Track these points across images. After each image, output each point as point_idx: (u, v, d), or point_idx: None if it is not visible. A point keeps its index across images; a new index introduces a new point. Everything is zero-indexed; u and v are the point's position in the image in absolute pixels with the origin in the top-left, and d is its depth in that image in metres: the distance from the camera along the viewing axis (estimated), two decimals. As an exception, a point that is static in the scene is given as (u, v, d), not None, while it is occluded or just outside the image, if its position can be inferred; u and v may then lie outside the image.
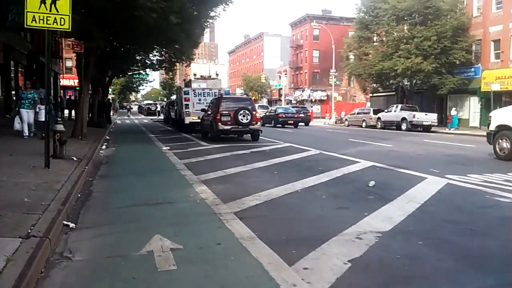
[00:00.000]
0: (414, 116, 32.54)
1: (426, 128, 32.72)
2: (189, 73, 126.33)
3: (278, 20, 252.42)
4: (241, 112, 17.62)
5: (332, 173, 9.68)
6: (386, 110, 36.13)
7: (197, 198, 7.11)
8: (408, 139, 21.96)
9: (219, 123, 17.66)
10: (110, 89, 57.57)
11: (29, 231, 4.59)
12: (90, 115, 28.96)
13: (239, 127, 17.75)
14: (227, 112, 17.78)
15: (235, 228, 5.30)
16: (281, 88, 73.54)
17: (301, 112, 39.13)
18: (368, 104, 55.15)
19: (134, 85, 78.43)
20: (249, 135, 18.55)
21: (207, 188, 7.84)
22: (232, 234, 5.06)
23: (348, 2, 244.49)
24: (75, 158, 10.97)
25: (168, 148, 15.31)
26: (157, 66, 38.66)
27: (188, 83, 24.40)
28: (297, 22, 72.82)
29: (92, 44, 15.33)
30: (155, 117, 52.67)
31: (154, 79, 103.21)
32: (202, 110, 20.73)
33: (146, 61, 37.80)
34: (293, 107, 44.02)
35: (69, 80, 54.12)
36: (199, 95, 23.84)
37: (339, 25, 66.81)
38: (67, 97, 40.13)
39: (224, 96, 18.68)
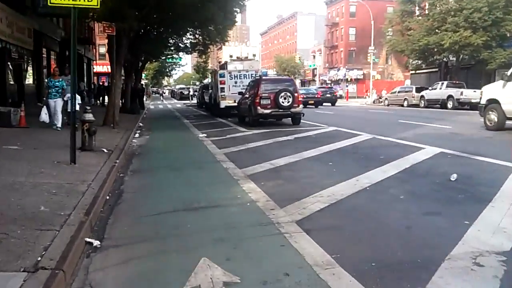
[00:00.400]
0: (461, 94, 30.25)
1: (475, 106, 30.49)
2: (221, 56, 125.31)
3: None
4: (282, 94, 16.28)
5: (398, 163, 8.27)
6: (430, 88, 33.87)
7: (247, 199, 5.91)
8: (463, 119, 20.12)
9: (258, 107, 16.40)
10: (143, 74, 57.32)
11: (39, 258, 3.49)
12: (123, 101, 28.36)
13: (280, 110, 16.44)
14: (266, 94, 16.49)
15: (304, 247, 4.06)
16: (315, 68, 71.42)
17: (328, 92, 39.42)
18: (408, 82, 52.59)
19: (167, 70, 78.25)
20: (289, 118, 17.25)
21: (256, 186, 6.62)
22: (303, 258, 3.81)
23: None
24: (105, 150, 9.99)
25: (205, 135, 14.19)
26: (190, 50, 37.71)
27: (223, 65, 23.19)
28: (332, -1, 70.14)
29: (124, 26, 14.27)
30: (188, 102, 51.87)
31: (186, 63, 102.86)
32: (239, 93, 19.50)
33: (180, 44, 36.90)
34: (319, 87, 43.32)
35: (102, 67, 53.94)
36: (235, 78, 22.59)
37: (376, 1, 63.82)
38: (101, 83, 39.43)
39: (263, 77, 17.35)
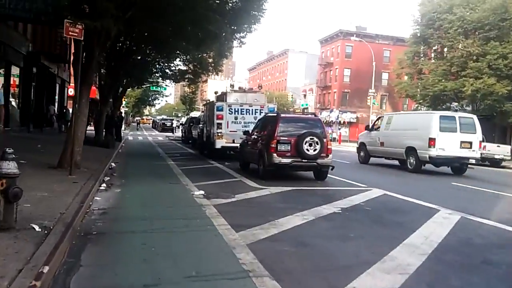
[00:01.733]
0: (484, 148, 26.62)
1: (496, 162, 26.93)
2: (206, 89, 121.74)
3: (302, 37, 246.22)
4: (307, 139, 12.10)
5: None
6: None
7: None
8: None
9: (274, 154, 12.12)
10: (124, 102, 52.78)
11: None
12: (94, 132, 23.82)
13: (303, 161, 12.19)
14: (286, 138, 12.27)
15: None
16: (306, 108, 68.18)
17: None
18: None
19: (150, 99, 73.93)
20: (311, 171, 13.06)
21: None
22: None
23: (382, 19, 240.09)
24: (36, 228, 5.57)
25: (202, 192, 9.77)
26: (178, 77, 33.64)
27: (222, 96, 19.01)
28: (328, 38, 67.75)
29: (96, 25, 9.90)
30: (171, 135, 47.39)
31: (170, 93, 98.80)
32: (245, 132, 15.23)
33: (167, 70, 32.80)
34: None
35: (80, 90, 49.18)
36: (236, 112, 18.40)
37: (374, 43, 61.49)
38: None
39: (282, 115, 13.11)
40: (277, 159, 12.10)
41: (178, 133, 45.66)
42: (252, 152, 13.84)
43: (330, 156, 12.63)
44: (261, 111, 18.62)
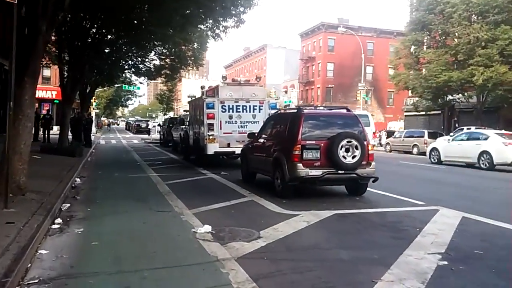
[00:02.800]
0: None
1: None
2: (180, 89, 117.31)
3: (280, 33, 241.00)
4: (344, 143, 8.85)
5: None
6: (451, 134, 27.36)
7: None
8: None
9: (299, 164, 8.81)
10: (94, 103, 48.58)
11: None
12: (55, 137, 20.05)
13: (338, 172, 8.94)
14: (313, 142, 8.98)
15: None
16: (288, 105, 65.10)
17: None
18: (401, 124, 46.78)
19: (122, 99, 69.63)
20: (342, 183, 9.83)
21: None
22: None
23: (363, 11, 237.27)
24: None
25: (209, 229, 6.41)
26: (154, 74, 30.00)
27: (213, 91, 15.55)
28: (309, 31, 64.75)
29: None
30: (147, 137, 43.50)
31: (144, 94, 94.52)
32: (251, 135, 11.85)
33: (140, 66, 29.12)
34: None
35: (46, 92, 44.93)
36: (230, 110, 15.03)
37: (358, 36, 58.82)
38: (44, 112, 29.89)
39: (306, 111, 9.72)
40: (303, 170, 8.80)
41: (155, 135, 41.85)
42: (262, 160, 10.52)
43: (373, 164, 9.39)
44: (261, 107, 15.34)
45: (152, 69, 29.30)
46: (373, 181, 9.45)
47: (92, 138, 33.82)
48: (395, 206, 8.75)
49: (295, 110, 9.88)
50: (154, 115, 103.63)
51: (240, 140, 14.95)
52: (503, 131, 20.87)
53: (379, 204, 8.97)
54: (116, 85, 45.65)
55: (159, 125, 38.45)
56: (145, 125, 57.15)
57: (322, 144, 8.96)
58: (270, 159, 9.85)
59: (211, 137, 14.78)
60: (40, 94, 43.72)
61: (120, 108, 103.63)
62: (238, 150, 14.81)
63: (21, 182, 7.94)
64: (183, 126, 20.93)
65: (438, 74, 28.44)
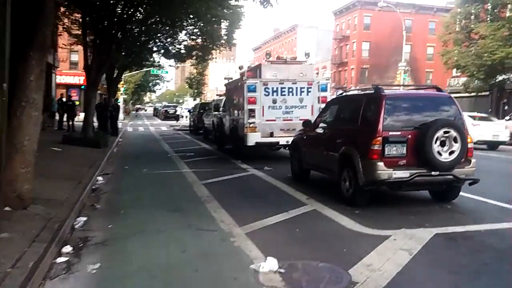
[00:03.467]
0: None
1: None
2: (207, 73, 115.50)
3: (310, 12, 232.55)
4: (439, 133, 6.70)
5: None
6: (507, 118, 24.40)
7: None
8: None
9: (380, 163, 6.71)
10: (122, 88, 47.23)
11: None
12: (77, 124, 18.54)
13: (431, 173, 6.79)
14: (399, 133, 6.85)
15: None
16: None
17: None
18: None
19: (150, 84, 68.30)
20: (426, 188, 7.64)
21: None
22: None
23: None
24: None
25: (276, 266, 4.43)
26: (184, 55, 28.15)
27: (254, 70, 13.53)
28: (344, 9, 61.54)
29: None
30: (176, 123, 41.82)
31: (172, 78, 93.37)
32: (306, 123, 9.75)
33: (170, 48, 27.33)
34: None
35: (73, 77, 43.80)
36: (275, 93, 12.97)
37: (393, 12, 55.52)
38: (65, 99, 28.35)
39: (388, 93, 7.47)
40: (384, 172, 6.71)
41: (183, 122, 40.17)
42: (322, 156, 8.46)
43: (473, 162, 7.20)
44: (309, 90, 13.22)
45: (183, 51, 27.45)
46: (470, 184, 7.27)
47: (120, 125, 32.51)
48: (504, 218, 6.61)
49: (372, 91, 7.70)
50: (181, 101, 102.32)
51: (285, 129, 13.01)
52: None
53: (484, 216, 6.82)
54: (144, 69, 44.12)
55: (189, 111, 36.69)
56: (173, 111, 55.58)
57: (409, 136, 6.84)
58: (335, 155, 7.78)
59: (252, 126, 12.77)
60: (67, 80, 42.83)
61: (148, 93, 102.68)
62: (282, 141, 12.91)
63: (24, 191, 6.15)
64: (216, 112, 19.02)
65: (494, 51, 25.52)
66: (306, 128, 9.53)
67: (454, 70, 34.88)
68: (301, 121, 13.13)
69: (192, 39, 25.94)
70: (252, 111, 12.80)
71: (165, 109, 59.84)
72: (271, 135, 12.90)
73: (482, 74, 28.01)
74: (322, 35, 74.26)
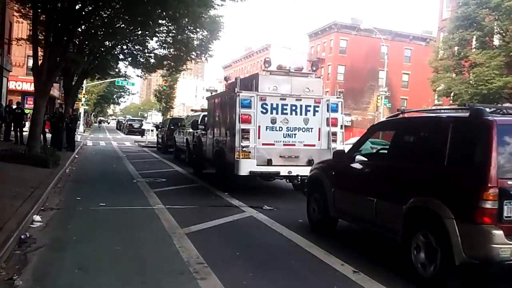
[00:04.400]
0: None
1: None
2: (175, 86, 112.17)
3: (283, 34, 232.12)
4: None
5: None
6: None
7: None
8: None
9: (495, 232, 4.06)
10: (83, 98, 43.48)
11: None
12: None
13: None
14: (519, 182, 4.25)
15: None
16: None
17: None
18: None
19: (114, 96, 64.54)
20: None
21: None
22: None
23: (373, 13, 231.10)
24: None
25: None
26: (154, 65, 25.25)
27: (248, 82, 10.80)
28: (319, 31, 60.31)
29: None
30: (141, 139, 38.26)
31: (137, 91, 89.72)
32: (338, 154, 6.96)
33: (138, 57, 24.46)
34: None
35: (31, 84, 39.65)
36: (274, 111, 10.28)
37: (370, 38, 54.69)
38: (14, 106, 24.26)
39: (498, 119, 4.84)
40: (505, 246, 4.07)
41: (149, 137, 36.76)
42: (371, 204, 5.72)
43: None
44: (316, 109, 10.61)
45: (152, 60, 24.55)
46: None
47: (78, 138, 29.00)
48: None
49: (467, 113, 5.03)
50: (145, 115, 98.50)
51: (286, 156, 10.36)
52: None
53: None
54: (108, 80, 40.72)
55: (156, 126, 33.42)
56: (139, 125, 51.96)
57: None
58: (400, 208, 5.09)
59: (245, 150, 9.98)
60: (24, 86, 38.66)
61: (112, 106, 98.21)
62: (283, 171, 10.22)
63: None
64: (192, 130, 16.11)
65: (491, 79, 24.00)
66: (342, 159, 6.72)
67: (436, 98, 33.57)
68: (306, 147, 10.69)
69: (164, 48, 23.14)
70: (245, 131, 10.02)
71: (129, 122, 55.90)
72: (269, 163, 10.17)
73: (476, 103, 26.41)
74: (297, 56, 72.75)
